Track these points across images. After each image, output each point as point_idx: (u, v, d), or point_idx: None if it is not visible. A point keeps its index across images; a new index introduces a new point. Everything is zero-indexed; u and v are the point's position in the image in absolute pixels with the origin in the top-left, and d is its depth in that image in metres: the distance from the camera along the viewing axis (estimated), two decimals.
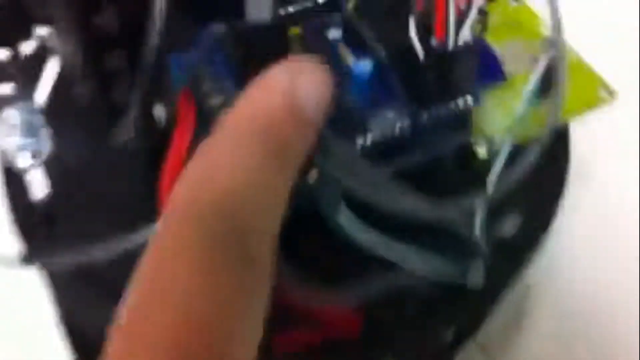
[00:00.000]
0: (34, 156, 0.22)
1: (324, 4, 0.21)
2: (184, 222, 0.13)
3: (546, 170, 0.21)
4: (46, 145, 0.22)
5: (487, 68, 0.22)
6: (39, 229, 0.22)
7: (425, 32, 0.17)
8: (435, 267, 0.18)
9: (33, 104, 0.23)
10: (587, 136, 0.25)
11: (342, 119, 0.17)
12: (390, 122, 0.18)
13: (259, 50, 0.18)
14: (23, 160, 0.22)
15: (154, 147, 0.18)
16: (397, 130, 0.18)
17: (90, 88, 0.22)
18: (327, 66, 0.14)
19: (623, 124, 0.28)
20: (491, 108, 0.22)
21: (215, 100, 0.17)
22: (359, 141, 0.18)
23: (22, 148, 0.22)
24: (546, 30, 0.23)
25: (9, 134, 0.22)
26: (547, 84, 0.21)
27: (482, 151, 0.21)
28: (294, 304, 0.17)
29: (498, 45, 0.23)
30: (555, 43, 0.21)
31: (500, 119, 0.22)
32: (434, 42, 0.18)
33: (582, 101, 0.24)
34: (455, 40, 0.18)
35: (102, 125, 0.21)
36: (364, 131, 0.18)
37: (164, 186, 0.17)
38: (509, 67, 0.23)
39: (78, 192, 0.22)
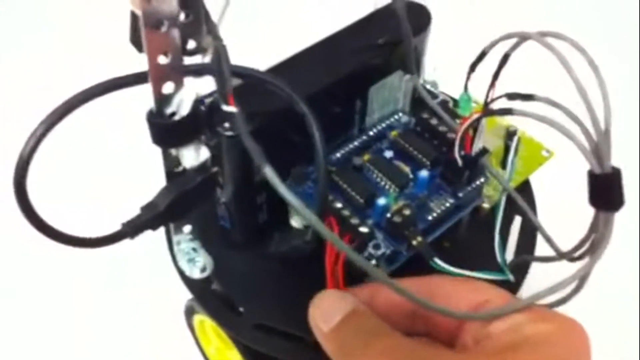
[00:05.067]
0: (202, 270, 0.33)
1: (375, 137, 0.34)
2: None
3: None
4: (209, 261, 0.33)
5: None
6: None
7: (460, 149, 0.30)
8: None
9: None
10: None
11: None
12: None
13: None
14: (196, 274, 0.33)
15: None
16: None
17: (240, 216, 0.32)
18: None
19: None
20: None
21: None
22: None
23: (192, 264, 0.33)
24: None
25: (180, 258, 0.33)
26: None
27: (486, 206, 0.34)
28: None
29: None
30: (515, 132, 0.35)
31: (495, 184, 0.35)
32: (463, 153, 0.30)
33: (534, 162, 0.37)
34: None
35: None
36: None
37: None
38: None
39: None
